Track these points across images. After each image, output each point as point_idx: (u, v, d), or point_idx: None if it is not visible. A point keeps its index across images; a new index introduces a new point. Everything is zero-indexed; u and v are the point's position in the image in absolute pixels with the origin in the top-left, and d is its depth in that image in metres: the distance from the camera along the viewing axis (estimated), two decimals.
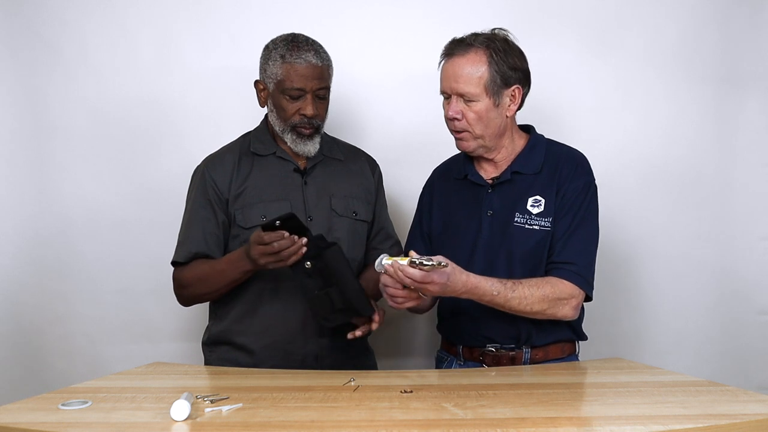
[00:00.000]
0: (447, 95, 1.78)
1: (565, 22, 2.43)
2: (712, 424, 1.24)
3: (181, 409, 1.28)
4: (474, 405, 1.37)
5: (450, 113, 1.76)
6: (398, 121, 2.47)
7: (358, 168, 2.05)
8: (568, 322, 1.78)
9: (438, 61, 1.79)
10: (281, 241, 1.67)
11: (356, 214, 1.98)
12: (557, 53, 2.37)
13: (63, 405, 1.38)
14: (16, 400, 1.44)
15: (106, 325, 2.49)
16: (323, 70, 1.88)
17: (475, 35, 1.76)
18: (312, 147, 1.93)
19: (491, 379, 1.62)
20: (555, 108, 2.32)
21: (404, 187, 2.42)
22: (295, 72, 1.85)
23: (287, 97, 1.87)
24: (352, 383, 1.55)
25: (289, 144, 1.93)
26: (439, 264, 1.55)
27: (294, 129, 1.90)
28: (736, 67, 2.45)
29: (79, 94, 2.46)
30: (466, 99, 1.74)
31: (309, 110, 1.87)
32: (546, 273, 1.76)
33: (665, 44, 2.44)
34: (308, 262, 1.70)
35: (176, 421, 1.27)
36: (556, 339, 1.81)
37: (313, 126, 1.90)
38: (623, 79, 2.45)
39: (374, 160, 2.11)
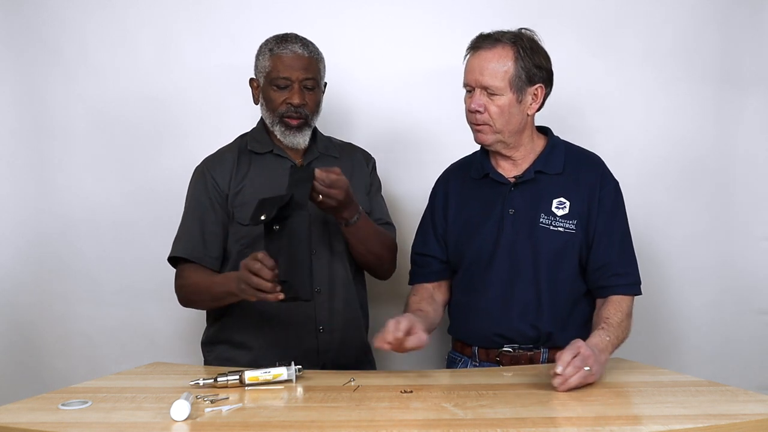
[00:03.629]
0: (470, 88, 1.77)
1: (565, 22, 2.43)
2: (712, 424, 1.24)
3: (181, 409, 1.28)
4: (474, 405, 1.37)
5: (473, 105, 1.75)
6: (396, 121, 2.47)
7: (354, 162, 2.06)
8: (588, 322, 1.77)
9: (464, 55, 1.78)
10: (264, 270, 1.59)
11: None
12: (557, 53, 2.34)
13: (63, 405, 1.38)
14: (16, 400, 1.44)
15: (106, 325, 2.49)
16: (310, 61, 1.91)
17: (501, 32, 1.76)
18: (301, 139, 1.94)
19: (491, 379, 1.62)
20: (554, 108, 2.31)
21: (402, 186, 2.42)
22: (282, 62, 1.89)
23: (275, 88, 1.90)
24: (352, 383, 1.56)
25: (278, 137, 1.95)
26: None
27: (282, 120, 1.92)
28: (736, 67, 2.45)
29: (79, 94, 2.46)
30: (490, 92, 1.73)
31: (295, 99, 1.89)
32: (604, 288, 1.77)
33: (665, 44, 2.44)
34: (276, 225, 1.60)
35: (176, 421, 1.27)
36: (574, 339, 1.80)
37: (301, 116, 1.91)
38: (623, 79, 2.45)
39: (368, 153, 2.12)
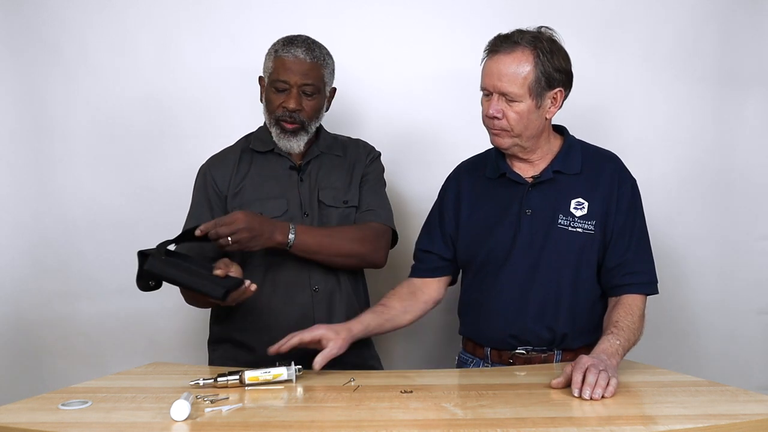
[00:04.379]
0: (488, 92, 1.73)
1: (565, 23, 2.40)
2: (712, 424, 1.24)
3: (181, 409, 1.28)
4: (474, 405, 1.37)
5: (491, 111, 1.71)
6: (399, 122, 2.47)
7: (354, 157, 2.04)
8: (603, 323, 1.74)
9: (481, 57, 1.74)
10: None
11: (347, 202, 1.97)
12: None
13: (63, 405, 1.38)
14: (16, 400, 1.44)
15: (106, 325, 2.49)
16: (312, 67, 1.89)
17: (521, 33, 1.71)
18: (295, 144, 1.94)
19: (491, 379, 1.62)
20: None
21: (406, 186, 2.42)
22: (282, 65, 1.88)
23: (274, 90, 1.90)
24: (352, 383, 1.56)
25: (274, 138, 1.94)
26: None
27: (278, 122, 1.92)
28: (736, 67, 2.45)
29: (79, 94, 2.46)
30: (509, 99, 1.69)
31: (290, 104, 1.89)
32: (618, 287, 1.75)
33: (665, 45, 2.44)
34: (151, 282, 1.71)
35: (176, 421, 1.27)
36: (589, 341, 1.77)
37: (296, 121, 1.91)
38: (623, 79, 2.45)
39: (372, 147, 2.09)
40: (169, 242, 1.75)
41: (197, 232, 1.72)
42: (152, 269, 1.66)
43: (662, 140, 2.46)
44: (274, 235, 1.78)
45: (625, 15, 2.44)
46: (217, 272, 1.68)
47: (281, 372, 1.56)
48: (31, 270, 2.50)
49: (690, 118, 2.46)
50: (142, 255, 1.68)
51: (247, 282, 1.69)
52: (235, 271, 1.71)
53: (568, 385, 1.46)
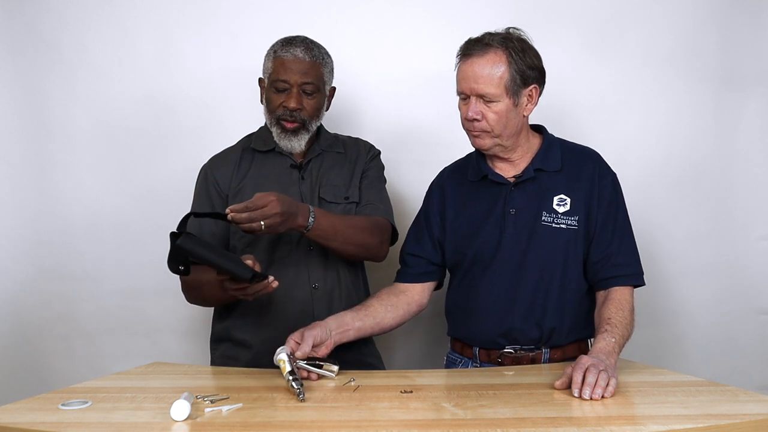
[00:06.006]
0: (465, 96, 1.75)
1: (566, 23, 2.43)
2: (712, 424, 1.24)
3: (181, 409, 1.28)
4: (474, 405, 1.37)
5: (470, 114, 1.73)
6: (398, 122, 2.47)
7: (355, 155, 2.05)
8: (592, 321, 1.75)
9: (454, 62, 1.76)
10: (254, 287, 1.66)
11: (348, 198, 1.97)
12: (557, 54, 2.36)
13: (63, 405, 1.38)
14: (16, 400, 1.44)
15: (106, 326, 2.49)
16: (311, 66, 1.90)
17: (490, 35, 1.73)
18: (296, 143, 1.94)
19: (491, 379, 1.62)
20: (554, 109, 2.32)
21: (405, 186, 2.42)
22: (282, 65, 1.89)
23: (274, 90, 1.91)
24: (352, 383, 1.56)
25: (275, 138, 1.95)
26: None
27: (278, 122, 1.92)
28: (736, 67, 2.45)
29: (79, 94, 2.46)
30: (486, 100, 1.71)
31: (291, 103, 1.89)
32: (604, 280, 1.76)
33: (664, 45, 2.44)
34: (181, 266, 1.65)
35: (176, 421, 1.28)
36: (576, 338, 1.80)
37: (297, 120, 1.91)
38: (623, 79, 2.45)
39: (372, 145, 2.10)
40: (190, 216, 1.70)
41: (227, 213, 1.65)
42: (184, 245, 1.62)
43: (662, 140, 2.46)
44: (297, 217, 1.74)
45: (625, 15, 2.44)
46: (247, 263, 1.65)
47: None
48: (32, 270, 2.49)
49: (690, 118, 2.46)
50: (175, 235, 1.64)
51: (271, 278, 1.67)
52: (258, 268, 1.69)
53: (570, 385, 1.46)
